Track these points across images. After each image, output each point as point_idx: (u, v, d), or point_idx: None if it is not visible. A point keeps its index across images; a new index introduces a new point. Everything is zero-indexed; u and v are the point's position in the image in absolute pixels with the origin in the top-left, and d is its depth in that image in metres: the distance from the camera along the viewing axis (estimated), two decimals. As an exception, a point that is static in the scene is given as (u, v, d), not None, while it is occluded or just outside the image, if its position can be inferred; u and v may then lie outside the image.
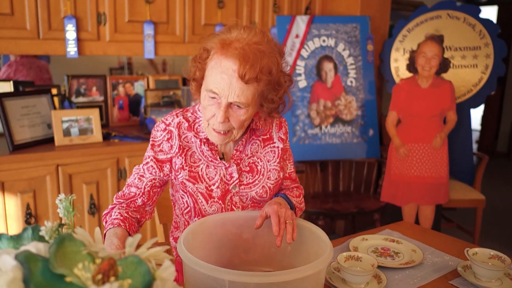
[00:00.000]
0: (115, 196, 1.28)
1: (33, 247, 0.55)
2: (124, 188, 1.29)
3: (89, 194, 2.36)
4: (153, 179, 1.26)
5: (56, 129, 2.36)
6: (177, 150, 1.25)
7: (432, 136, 2.77)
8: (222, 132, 1.17)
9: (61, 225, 0.63)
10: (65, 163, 2.29)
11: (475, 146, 6.27)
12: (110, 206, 1.27)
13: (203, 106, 1.18)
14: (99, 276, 0.51)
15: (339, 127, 3.08)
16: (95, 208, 2.39)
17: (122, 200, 1.26)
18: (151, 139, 1.28)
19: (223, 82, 1.10)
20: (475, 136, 6.12)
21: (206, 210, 1.27)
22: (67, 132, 2.39)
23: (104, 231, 1.17)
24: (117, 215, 1.20)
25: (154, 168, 1.26)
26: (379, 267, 1.24)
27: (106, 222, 1.22)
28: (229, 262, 1.20)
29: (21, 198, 2.17)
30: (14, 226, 2.17)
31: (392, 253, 1.36)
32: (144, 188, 1.26)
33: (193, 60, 1.23)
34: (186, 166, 1.25)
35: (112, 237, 1.11)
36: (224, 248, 1.19)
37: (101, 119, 2.78)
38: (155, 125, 1.30)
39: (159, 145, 1.26)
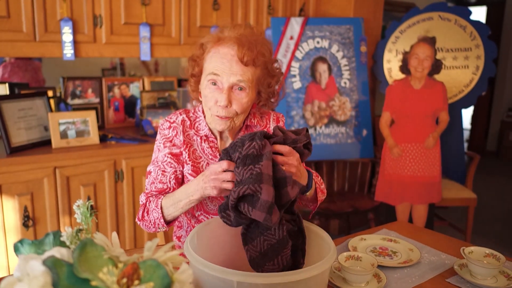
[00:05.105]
0: (143, 194, 1.30)
1: (57, 252, 0.57)
2: (147, 186, 1.31)
3: (86, 196, 2.37)
4: (175, 171, 1.30)
5: (53, 131, 2.36)
6: (183, 145, 1.30)
7: (425, 136, 2.82)
8: (224, 117, 1.23)
9: (79, 230, 0.65)
10: (62, 165, 2.29)
11: (465, 146, 6.35)
12: (144, 201, 1.28)
13: (205, 95, 1.24)
14: (124, 280, 0.53)
15: (333, 128, 3.12)
16: (92, 210, 2.39)
17: (156, 192, 1.29)
18: (161, 138, 1.32)
19: (223, 66, 1.19)
20: (465, 135, 6.20)
21: (208, 205, 1.32)
22: (64, 135, 2.39)
23: (159, 209, 1.23)
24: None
25: (172, 163, 1.29)
26: (378, 266, 1.27)
27: (149, 211, 1.25)
28: (233, 263, 1.22)
29: (18, 200, 2.17)
30: (12, 229, 2.17)
31: (390, 253, 1.40)
32: (170, 181, 1.29)
33: (190, 59, 1.31)
34: (190, 160, 1.30)
35: (176, 193, 1.20)
36: (229, 249, 1.21)
37: (97, 120, 2.78)
38: (160, 125, 1.34)
39: (171, 141, 1.31)
